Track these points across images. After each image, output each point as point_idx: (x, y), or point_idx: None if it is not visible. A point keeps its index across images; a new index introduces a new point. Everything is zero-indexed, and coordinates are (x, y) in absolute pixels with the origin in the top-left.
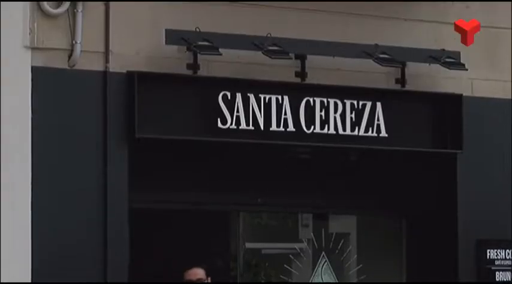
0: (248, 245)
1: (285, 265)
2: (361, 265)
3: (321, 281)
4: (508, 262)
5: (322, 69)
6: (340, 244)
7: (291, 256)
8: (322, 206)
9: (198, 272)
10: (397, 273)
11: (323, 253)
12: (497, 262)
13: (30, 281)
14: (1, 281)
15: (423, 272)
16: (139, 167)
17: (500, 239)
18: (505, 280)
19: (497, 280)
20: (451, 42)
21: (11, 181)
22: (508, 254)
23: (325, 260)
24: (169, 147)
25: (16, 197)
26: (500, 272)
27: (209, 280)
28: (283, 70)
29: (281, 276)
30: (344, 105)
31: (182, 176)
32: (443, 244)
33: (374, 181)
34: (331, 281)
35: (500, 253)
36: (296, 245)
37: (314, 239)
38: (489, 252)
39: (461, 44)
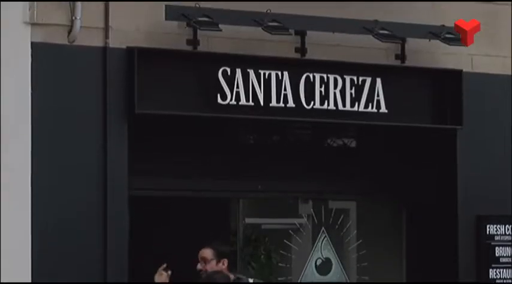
0: (248, 220)
1: (285, 240)
2: (360, 240)
3: (321, 256)
4: (507, 238)
5: (322, 45)
6: (340, 220)
7: (290, 231)
8: (322, 192)
9: (204, 252)
10: (397, 248)
11: (323, 228)
12: (496, 238)
13: (30, 279)
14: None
15: (423, 248)
16: (138, 148)
17: (500, 214)
18: (504, 255)
19: (496, 255)
20: (451, 18)
21: (10, 158)
22: (508, 229)
23: (325, 236)
24: (168, 126)
25: (16, 173)
26: (500, 248)
27: (224, 264)
28: (283, 46)
29: (281, 251)
30: (344, 80)
31: (182, 159)
32: (443, 219)
33: (373, 160)
34: (332, 259)
35: (500, 228)
36: (296, 221)
37: (314, 215)
38: (489, 227)
39: (461, 19)
